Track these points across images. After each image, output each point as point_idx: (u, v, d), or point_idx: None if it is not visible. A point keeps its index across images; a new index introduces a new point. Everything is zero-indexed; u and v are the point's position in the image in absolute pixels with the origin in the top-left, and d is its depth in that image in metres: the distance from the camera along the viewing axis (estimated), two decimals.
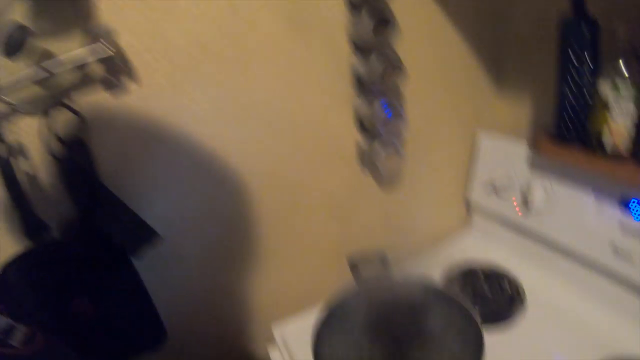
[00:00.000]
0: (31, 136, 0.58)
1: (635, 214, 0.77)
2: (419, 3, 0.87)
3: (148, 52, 0.63)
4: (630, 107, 0.70)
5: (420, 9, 0.87)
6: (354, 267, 0.87)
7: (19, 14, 0.53)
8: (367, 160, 0.90)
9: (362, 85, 0.84)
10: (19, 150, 0.58)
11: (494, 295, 0.94)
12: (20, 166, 0.58)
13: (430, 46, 0.92)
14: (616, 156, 0.74)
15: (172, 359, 0.90)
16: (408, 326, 0.81)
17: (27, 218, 0.58)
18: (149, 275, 0.74)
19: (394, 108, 0.84)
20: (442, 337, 0.76)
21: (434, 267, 1.02)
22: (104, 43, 0.55)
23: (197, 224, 0.79)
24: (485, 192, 1.06)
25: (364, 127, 0.87)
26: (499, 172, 0.99)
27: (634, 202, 0.77)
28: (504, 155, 1.00)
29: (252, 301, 0.94)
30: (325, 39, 0.79)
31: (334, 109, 0.85)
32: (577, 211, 0.87)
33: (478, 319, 0.73)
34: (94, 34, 0.56)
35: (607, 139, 0.74)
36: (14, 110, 0.56)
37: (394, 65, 0.81)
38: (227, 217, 0.81)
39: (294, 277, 0.97)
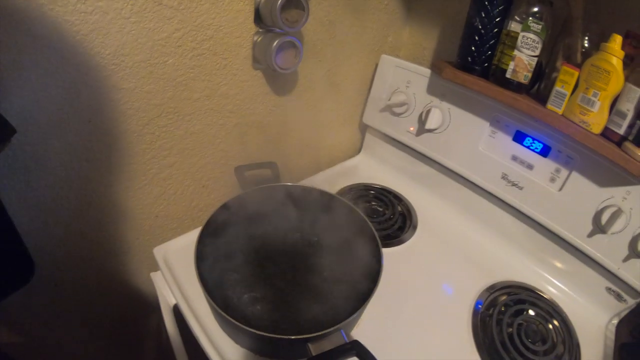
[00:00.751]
0: None
1: (528, 147, 0.81)
2: None
3: None
4: (537, 43, 0.73)
5: None
6: (241, 177, 0.78)
7: None
8: (262, 57, 0.78)
9: None
10: None
11: (384, 216, 0.94)
12: None
13: None
14: (517, 88, 0.77)
15: (43, 298, 0.77)
16: (301, 232, 0.79)
17: None
18: (6, 191, 0.60)
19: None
20: (337, 245, 0.75)
21: (326, 185, 0.96)
22: None
23: (62, 122, 0.62)
24: (382, 115, 1.03)
25: (261, 18, 0.75)
26: (398, 96, 0.96)
27: (528, 138, 0.81)
28: (404, 79, 0.97)
29: (132, 222, 0.82)
30: None
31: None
32: (471, 138, 0.88)
33: (374, 231, 0.71)
34: None
35: (510, 72, 0.76)
36: None
37: None
38: (95, 116, 0.65)
39: (177, 193, 0.85)
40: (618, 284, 0.77)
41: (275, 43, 0.74)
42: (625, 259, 0.73)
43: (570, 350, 0.71)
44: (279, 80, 0.87)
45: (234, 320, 0.53)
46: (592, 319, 0.78)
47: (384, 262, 0.64)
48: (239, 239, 0.74)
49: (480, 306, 0.76)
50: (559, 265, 0.84)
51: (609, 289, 0.78)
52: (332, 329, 0.53)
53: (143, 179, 0.77)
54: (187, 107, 0.75)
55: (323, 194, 0.79)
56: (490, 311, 0.75)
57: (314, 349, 0.52)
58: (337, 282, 0.69)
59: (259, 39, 0.78)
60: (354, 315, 0.56)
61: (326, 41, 0.90)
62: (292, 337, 0.52)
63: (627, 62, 0.67)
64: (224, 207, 0.71)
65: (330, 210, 0.77)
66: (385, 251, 0.78)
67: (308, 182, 1.00)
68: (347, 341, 0.52)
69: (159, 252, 0.78)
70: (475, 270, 0.84)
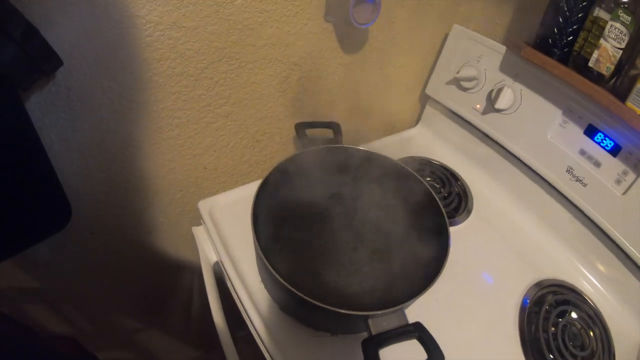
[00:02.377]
0: None
1: (599, 143, 0.75)
2: None
3: None
4: (624, 35, 0.67)
5: None
6: (302, 134, 0.73)
7: None
8: (337, 8, 0.71)
9: None
10: None
11: (441, 193, 0.90)
12: None
13: None
14: (597, 79, 0.72)
15: (79, 245, 0.75)
16: (363, 200, 0.75)
17: None
18: (47, 130, 0.57)
19: None
20: (401, 218, 0.71)
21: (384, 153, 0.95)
22: None
23: (111, 60, 0.59)
24: (447, 88, 0.97)
25: None
26: (468, 69, 0.90)
27: (600, 134, 0.75)
28: (476, 53, 0.90)
29: (179, 171, 0.78)
30: None
31: None
32: (541, 124, 0.83)
33: (443, 209, 0.66)
34: None
35: (594, 62, 0.71)
36: None
37: None
38: (149, 54, 0.61)
39: (229, 145, 0.82)
40: None
41: None
42: None
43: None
44: (350, 37, 0.82)
45: (291, 287, 0.49)
46: (632, 333, 0.74)
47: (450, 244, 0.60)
48: (298, 203, 0.71)
49: (527, 302, 0.73)
50: (608, 271, 0.79)
51: None
52: (395, 308, 0.50)
53: (195, 127, 0.74)
54: (251, 54, 0.71)
55: (388, 161, 0.74)
56: (537, 308, 0.72)
57: (373, 327, 0.49)
58: (401, 258, 0.66)
59: None
60: (417, 297, 0.53)
61: (401, 1, 0.82)
62: (354, 313, 0.49)
63: None
64: (286, 163, 0.67)
65: (395, 179, 0.73)
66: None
67: (366, 148, 0.96)
68: (409, 322, 0.49)
69: (204, 205, 0.76)
70: (525, 264, 0.80)
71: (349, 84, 0.90)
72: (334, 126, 0.77)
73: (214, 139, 0.78)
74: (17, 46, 0.44)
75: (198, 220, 0.77)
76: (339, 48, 0.82)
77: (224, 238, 0.71)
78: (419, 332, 0.48)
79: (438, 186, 0.91)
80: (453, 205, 0.88)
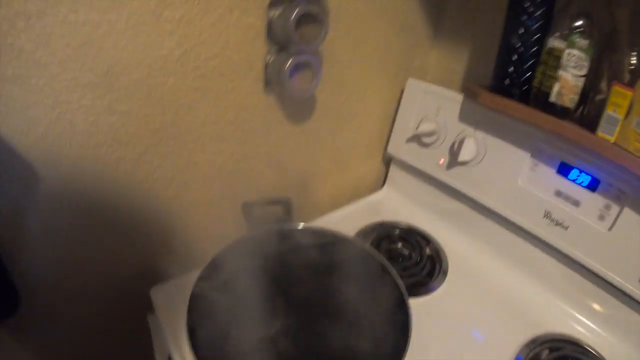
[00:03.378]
0: None
1: (575, 180, 0.74)
2: None
3: None
4: (584, 61, 0.68)
5: None
6: (249, 215, 0.73)
7: None
8: (275, 79, 0.74)
9: None
10: None
11: (411, 260, 0.87)
12: None
13: None
14: (562, 113, 0.71)
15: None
16: (314, 286, 0.72)
17: None
18: None
19: (309, 14, 0.68)
20: (360, 305, 0.68)
21: (346, 224, 0.92)
22: None
23: (49, 147, 0.58)
24: (409, 145, 0.97)
25: (274, 35, 0.71)
26: (426, 124, 0.90)
27: (574, 170, 0.74)
28: (434, 105, 0.91)
29: (127, 259, 0.77)
30: None
31: (240, 10, 0.66)
32: (510, 171, 0.82)
33: (403, 288, 0.64)
34: None
35: (555, 95, 0.71)
36: None
37: None
38: (85, 140, 0.61)
39: (176, 229, 0.80)
40: None
41: (289, 62, 0.69)
42: None
43: None
44: (294, 107, 0.82)
45: None
46: None
47: (413, 317, 0.57)
48: (242, 288, 0.67)
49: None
50: (607, 314, 0.75)
51: None
52: None
53: (141, 216, 0.72)
54: (191, 133, 0.71)
55: (337, 237, 0.73)
56: None
57: None
58: (360, 341, 0.63)
59: (272, 59, 0.73)
60: None
61: (346, 63, 0.85)
62: None
63: None
64: (225, 252, 0.66)
65: (347, 256, 0.71)
66: (414, 302, 0.69)
67: (326, 219, 0.94)
68: None
69: (156, 293, 0.72)
70: (514, 321, 0.76)
71: (302, 154, 0.89)
72: (284, 202, 0.76)
73: (161, 224, 0.75)
74: None
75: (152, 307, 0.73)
76: (284, 119, 0.82)
77: (176, 329, 0.65)
78: None
79: (407, 252, 0.88)
80: (426, 271, 0.84)
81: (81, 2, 0.52)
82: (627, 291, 0.70)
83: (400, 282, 0.64)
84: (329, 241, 0.72)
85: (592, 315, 0.76)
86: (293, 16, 0.65)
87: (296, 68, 0.71)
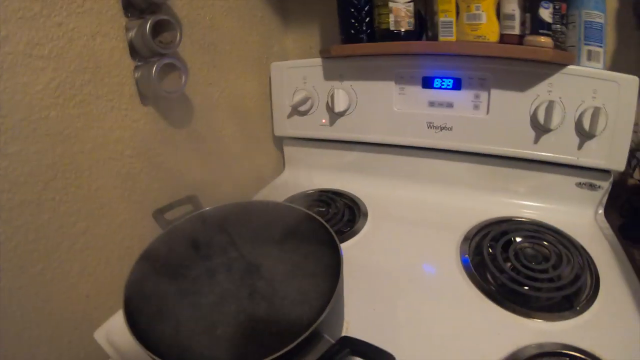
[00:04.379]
0: None
1: (440, 87, 0.90)
2: None
3: None
4: None
5: None
6: (162, 222, 0.78)
7: None
8: (147, 89, 0.81)
9: (129, 3, 0.77)
10: None
11: (329, 214, 0.96)
12: None
13: None
14: (406, 36, 0.87)
15: None
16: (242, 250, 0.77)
17: None
18: None
19: (163, 20, 0.78)
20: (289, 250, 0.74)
21: None
22: None
23: None
24: (291, 120, 1.10)
25: (137, 50, 0.80)
26: (298, 94, 1.03)
27: (435, 79, 0.90)
28: (300, 77, 1.05)
29: (61, 312, 0.77)
30: None
31: (102, 35, 0.74)
32: (383, 103, 0.97)
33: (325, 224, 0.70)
34: None
35: (393, 24, 0.86)
36: None
37: None
38: None
39: (101, 263, 0.83)
40: (585, 174, 0.86)
41: (154, 67, 0.77)
42: (580, 145, 0.83)
43: (574, 252, 0.76)
44: (174, 113, 0.89)
45: None
46: (579, 219, 0.86)
47: (342, 252, 0.62)
48: (177, 283, 0.70)
49: (467, 259, 0.78)
50: (520, 185, 0.92)
51: (579, 184, 0.87)
52: (307, 332, 0.48)
53: (58, 255, 0.75)
54: (83, 161, 0.75)
55: (249, 204, 0.82)
56: (480, 257, 0.77)
57: None
58: (300, 287, 0.67)
59: (140, 73, 0.80)
60: (326, 312, 0.52)
61: (210, 63, 0.94)
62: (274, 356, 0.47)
63: None
64: (144, 256, 0.68)
65: (274, 218, 0.77)
66: (343, 245, 0.81)
67: None
68: (334, 341, 0.48)
69: (100, 336, 0.73)
70: (444, 230, 0.87)
71: (196, 156, 0.96)
72: (192, 200, 0.80)
73: (81, 262, 0.77)
74: None
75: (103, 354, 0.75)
76: (168, 126, 0.89)
77: None
78: (349, 345, 0.46)
79: (324, 209, 0.97)
80: (346, 218, 0.94)
81: None
82: (528, 157, 0.87)
83: (325, 224, 0.69)
84: (249, 209, 0.79)
85: (510, 192, 0.92)
86: (148, 26, 0.74)
87: (162, 71, 0.79)
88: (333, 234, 0.65)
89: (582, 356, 0.58)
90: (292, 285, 0.68)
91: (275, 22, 1.13)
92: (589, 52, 0.84)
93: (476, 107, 0.89)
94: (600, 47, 0.84)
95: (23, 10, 0.63)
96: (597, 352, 0.58)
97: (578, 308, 0.66)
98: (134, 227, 0.86)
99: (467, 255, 0.79)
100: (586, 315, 0.65)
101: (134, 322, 0.55)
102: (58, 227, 0.74)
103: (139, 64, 0.82)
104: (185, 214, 0.79)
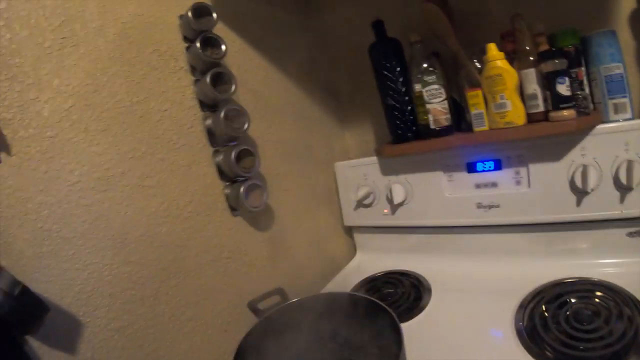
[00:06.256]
0: None
1: (483, 170, 1.03)
2: (255, 64, 1.15)
3: (21, 125, 0.74)
4: (439, 89, 1.00)
5: (257, 67, 1.16)
6: (255, 309, 0.96)
7: None
8: (236, 204, 1.04)
9: (215, 138, 1.03)
10: None
11: (397, 295, 1.07)
12: None
13: (273, 98, 1.19)
14: (446, 131, 1.02)
15: None
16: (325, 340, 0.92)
17: None
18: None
19: (245, 149, 1.01)
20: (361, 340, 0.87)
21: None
22: None
23: (87, 299, 0.83)
24: (358, 212, 1.27)
25: (225, 174, 1.04)
26: (361, 190, 1.21)
27: (477, 163, 1.03)
28: (361, 174, 1.24)
29: None
30: (178, 104, 0.98)
31: (197, 164, 1.00)
32: (435, 191, 1.10)
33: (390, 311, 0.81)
34: None
35: (433, 123, 1.02)
36: None
37: (238, 113, 1.01)
38: (113, 289, 0.86)
39: (203, 342, 1.01)
40: (633, 223, 0.91)
41: (241, 189, 1.00)
42: (622, 199, 0.89)
43: (629, 306, 0.79)
44: (259, 219, 1.11)
45: None
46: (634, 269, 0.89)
47: (403, 331, 0.71)
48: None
49: (521, 326, 0.83)
50: (571, 246, 0.98)
51: (630, 234, 0.92)
52: None
53: (169, 337, 0.94)
54: (189, 264, 0.97)
55: (327, 296, 0.96)
56: (533, 324, 0.82)
57: None
58: None
59: (229, 191, 1.04)
60: None
61: (283, 173, 1.17)
62: None
63: (513, 55, 0.93)
64: (244, 343, 0.86)
65: (343, 307, 0.90)
66: (410, 323, 0.93)
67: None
68: None
69: None
70: (500, 299, 0.93)
71: (278, 252, 1.16)
72: (279, 292, 0.98)
73: (188, 342, 0.96)
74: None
75: None
76: (255, 230, 1.10)
77: None
78: None
79: (392, 290, 1.09)
80: (412, 297, 1.04)
81: (87, 190, 0.82)
82: (573, 219, 0.94)
83: (387, 308, 0.80)
84: (329, 300, 0.93)
85: (563, 255, 0.98)
86: (232, 155, 0.98)
87: (248, 191, 1.02)
88: (394, 316, 0.77)
89: None
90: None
91: (334, 125, 1.37)
92: (615, 105, 0.91)
93: (518, 182, 1.00)
94: (625, 97, 0.91)
95: (133, 151, 0.90)
96: None
97: None
98: (231, 314, 1.06)
99: (521, 323, 0.84)
100: None
101: None
102: (170, 315, 0.95)
103: (227, 184, 1.05)
104: (274, 305, 0.97)
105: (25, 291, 0.68)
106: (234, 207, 1.06)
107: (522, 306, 0.89)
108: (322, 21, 1.34)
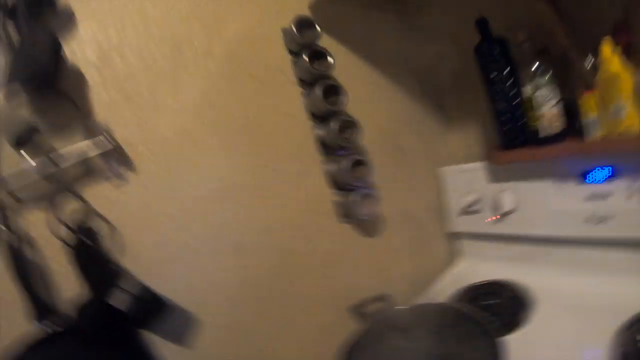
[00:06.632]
0: (39, 225, 0.70)
1: (594, 181, 0.97)
2: (360, 71, 1.16)
3: (141, 144, 0.81)
4: (551, 92, 0.95)
5: (361, 74, 1.17)
6: (359, 313, 0.98)
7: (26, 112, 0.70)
8: (346, 213, 1.07)
9: (326, 147, 1.06)
10: (27, 239, 0.70)
11: (500, 306, 1.06)
12: (30, 253, 0.70)
13: (379, 104, 1.20)
14: (558, 137, 0.97)
15: None
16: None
17: (36, 302, 0.69)
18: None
19: (357, 160, 1.03)
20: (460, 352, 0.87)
21: (435, 298, 1.17)
22: (106, 137, 0.73)
23: (204, 295, 0.90)
24: (463, 218, 1.26)
25: (336, 183, 1.06)
26: (469, 196, 1.20)
27: (590, 173, 0.98)
28: (468, 179, 1.22)
29: None
30: (288, 116, 1.01)
31: (308, 174, 1.03)
32: (544, 201, 1.07)
33: (488, 326, 0.84)
34: (94, 131, 0.74)
35: (545, 129, 0.97)
36: (21, 202, 0.69)
37: (349, 124, 1.03)
38: (231, 289, 0.92)
39: (303, 344, 1.04)
40: None
41: (354, 198, 1.03)
42: None
43: None
44: (365, 226, 1.14)
45: None
46: None
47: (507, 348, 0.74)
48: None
49: (624, 350, 0.78)
50: None
51: None
52: None
53: (278, 336, 0.99)
54: (300, 268, 1.02)
55: (433, 306, 0.98)
56: (634, 349, 0.77)
57: None
58: None
59: (340, 200, 1.07)
60: None
61: (389, 181, 1.18)
62: None
63: (629, 50, 0.85)
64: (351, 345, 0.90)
65: (446, 317, 0.93)
66: (509, 337, 0.91)
67: (415, 300, 1.20)
68: None
69: None
70: (603, 319, 0.87)
71: (381, 259, 1.18)
72: (385, 298, 1.01)
73: (296, 341, 1.01)
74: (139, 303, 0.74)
75: None
76: (361, 237, 1.13)
77: None
78: None
79: (493, 301, 1.07)
80: (511, 309, 1.02)
81: (206, 201, 0.88)
82: None
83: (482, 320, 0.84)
84: (435, 310, 0.96)
85: None
86: (346, 164, 1.00)
87: (360, 200, 1.04)
88: (492, 333, 0.79)
89: None
90: None
91: (439, 128, 1.36)
92: None
93: (630, 196, 0.93)
94: None
95: (249, 163, 0.96)
96: None
97: None
98: (337, 317, 1.08)
99: (617, 349, 0.80)
100: None
101: None
102: (281, 316, 1.00)
103: (338, 192, 1.08)
104: (379, 310, 1.01)
105: (146, 290, 0.77)
106: (345, 215, 1.09)
107: (625, 328, 0.84)
108: (422, 22, 1.31)
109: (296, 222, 1.01)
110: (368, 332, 0.94)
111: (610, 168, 0.95)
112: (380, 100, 1.21)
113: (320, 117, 1.05)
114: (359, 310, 1.00)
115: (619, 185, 0.94)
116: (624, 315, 0.86)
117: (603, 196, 0.97)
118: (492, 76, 1.04)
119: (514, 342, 0.84)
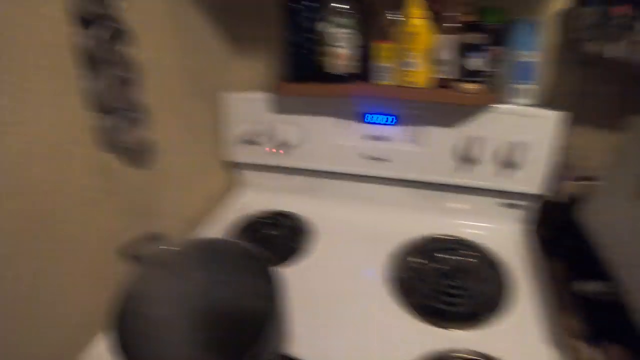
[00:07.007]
0: None
1: (376, 122, 1.07)
2: None
3: None
4: (352, 37, 0.96)
5: None
6: (130, 255, 0.86)
7: None
8: (109, 141, 0.91)
9: (91, 60, 0.84)
10: None
11: (281, 237, 1.11)
12: None
13: (164, 18, 1.02)
14: (347, 78, 1.00)
15: None
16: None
17: None
18: None
19: (125, 77, 0.88)
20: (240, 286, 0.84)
21: (213, 231, 1.14)
22: None
23: None
24: (242, 147, 1.22)
25: (99, 104, 0.88)
26: (250, 125, 1.16)
27: (374, 115, 1.06)
28: (251, 109, 1.17)
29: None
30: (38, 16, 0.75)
31: (64, 93, 0.82)
32: (328, 136, 1.11)
33: (264, 258, 0.81)
34: None
35: (336, 67, 0.98)
36: None
37: (122, 33, 0.85)
38: None
39: (67, 298, 0.90)
40: (504, 196, 1.06)
41: (117, 123, 0.90)
42: (500, 174, 1.03)
43: (491, 266, 0.95)
44: (135, 156, 0.99)
45: None
46: (505, 234, 1.07)
47: (285, 278, 0.73)
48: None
49: (392, 274, 0.95)
50: (450, 206, 1.12)
51: (502, 204, 1.08)
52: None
53: (33, 300, 0.82)
54: (57, 211, 0.84)
55: (205, 242, 0.91)
56: (401, 274, 0.95)
57: None
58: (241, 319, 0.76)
59: (102, 124, 0.89)
60: (261, 341, 0.63)
61: (164, 106, 1.04)
62: None
63: (436, 17, 0.91)
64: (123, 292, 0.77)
65: (221, 252, 0.87)
66: (292, 268, 0.97)
67: (192, 233, 1.16)
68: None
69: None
70: (376, 246, 1.04)
71: (151, 192, 1.06)
72: (158, 235, 0.87)
73: (62, 298, 0.88)
74: None
75: None
76: (129, 169, 0.98)
77: None
78: None
79: (274, 233, 1.12)
80: (292, 238, 1.09)
81: None
82: (455, 183, 1.06)
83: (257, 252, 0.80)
84: (207, 245, 0.89)
85: (442, 212, 1.13)
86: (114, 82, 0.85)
87: (126, 125, 0.91)
88: (269, 267, 0.78)
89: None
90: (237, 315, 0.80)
91: (223, 52, 1.23)
92: (518, 90, 0.99)
93: (410, 140, 1.06)
94: (530, 84, 0.98)
95: None
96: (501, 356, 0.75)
97: (487, 319, 0.83)
98: (104, 262, 0.96)
99: (392, 272, 0.96)
100: (495, 325, 0.83)
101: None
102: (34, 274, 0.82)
103: (99, 116, 0.89)
104: (151, 250, 0.87)
105: None
106: (107, 143, 0.92)
107: (395, 255, 1.01)
108: None
109: (47, 153, 0.81)
110: (137, 280, 0.83)
111: (393, 115, 1.05)
112: (166, 13, 1.02)
113: (85, 20, 0.82)
114: (128, 251, 0.87)
115: (397, 130, 1.06)
116: (396, 242, 1.03)
117: (382, 139, 1.07)
118: (294, 7, 0.99)
119: (295, 272, 0.90)
